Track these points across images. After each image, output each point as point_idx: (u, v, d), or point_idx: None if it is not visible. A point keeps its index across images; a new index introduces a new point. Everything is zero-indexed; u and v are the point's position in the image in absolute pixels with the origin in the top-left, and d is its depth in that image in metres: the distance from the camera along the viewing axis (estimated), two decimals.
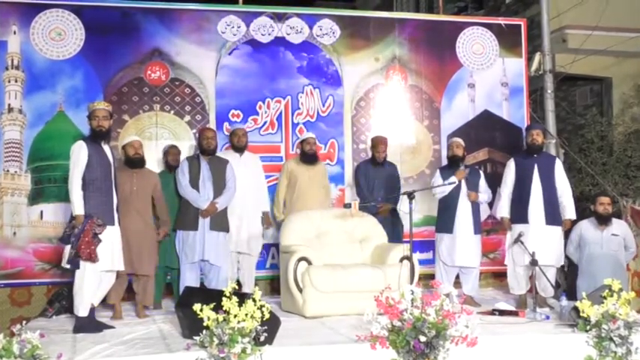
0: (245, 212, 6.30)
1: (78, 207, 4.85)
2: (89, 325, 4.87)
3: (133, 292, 5.76)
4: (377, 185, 6.60)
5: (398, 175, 6.86)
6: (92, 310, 4.98)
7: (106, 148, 5.08)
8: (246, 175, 6.30)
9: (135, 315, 5.59)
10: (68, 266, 4.87)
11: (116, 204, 5.10)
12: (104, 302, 5.39)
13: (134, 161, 5.67)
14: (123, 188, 5.39)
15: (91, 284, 4.90)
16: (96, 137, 5.03)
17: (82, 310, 4.88)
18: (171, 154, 6.37)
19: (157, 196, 5.74)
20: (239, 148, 6.43)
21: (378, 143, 6.70)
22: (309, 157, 6.63)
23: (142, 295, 5.65)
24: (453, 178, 6.14)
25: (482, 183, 6.41)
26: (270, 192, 6.75)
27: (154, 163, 6.45)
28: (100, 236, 4.86)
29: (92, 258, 4.81)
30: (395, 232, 6.56)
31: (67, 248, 4.88)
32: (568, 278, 6.58)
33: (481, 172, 6.58)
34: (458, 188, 6.23)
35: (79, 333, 4.76)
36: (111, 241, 4.97)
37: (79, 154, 4.92)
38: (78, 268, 4.83)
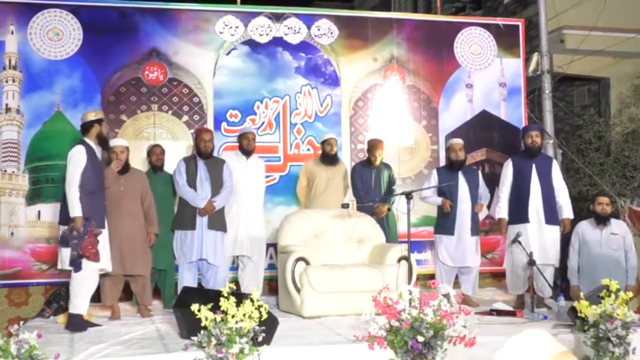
0: (246, 215, 6.23)
1: (77, 209, 4.89)
2: (80, 322, 4.94)
3: (129, 292, 5.76)
4: (373, 186, 6.58)
5: (394, 176, 6.83)
6: None
7: (97, 151, 5.18)
8: (250, 179, 6.25)
9: (132, 315, 5.59)
10: (70, 268, 4.89)
11: (105, 207, 5.19)
12: (100, 302, 5.42)
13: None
14: (112, 189, 5.40)
15: (90, 283, 4.99)
16: (103, 144, 5.22)
17: (80, 308, 4.94)
18: (154, 154, 6.19)
19: (144, 196, 5.68)
20: (247, 152, 6.34)
21: (374, 147, 6.60)
22: (329, 158, 6.62)
23: (141, 295, 5.66)
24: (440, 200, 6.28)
25: (482, 184, 6.41)
26: (269, 193, 6.77)
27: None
28: (98, 238, 4.94)
29: (96, 257, 4.89)
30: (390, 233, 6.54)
31: (66, 251, 4.88)
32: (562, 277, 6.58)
33: (479, 174, 6.57)
34: (457, 190, 6.24)
35: (74, 331, 4.80)
36: (103, 242, 5.04)
37: (79, 159, 4.98)
38: (80, 269, 4.86)
